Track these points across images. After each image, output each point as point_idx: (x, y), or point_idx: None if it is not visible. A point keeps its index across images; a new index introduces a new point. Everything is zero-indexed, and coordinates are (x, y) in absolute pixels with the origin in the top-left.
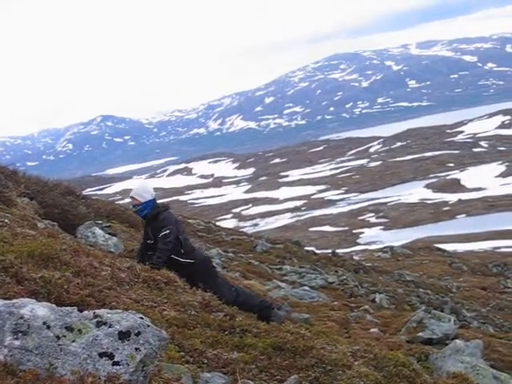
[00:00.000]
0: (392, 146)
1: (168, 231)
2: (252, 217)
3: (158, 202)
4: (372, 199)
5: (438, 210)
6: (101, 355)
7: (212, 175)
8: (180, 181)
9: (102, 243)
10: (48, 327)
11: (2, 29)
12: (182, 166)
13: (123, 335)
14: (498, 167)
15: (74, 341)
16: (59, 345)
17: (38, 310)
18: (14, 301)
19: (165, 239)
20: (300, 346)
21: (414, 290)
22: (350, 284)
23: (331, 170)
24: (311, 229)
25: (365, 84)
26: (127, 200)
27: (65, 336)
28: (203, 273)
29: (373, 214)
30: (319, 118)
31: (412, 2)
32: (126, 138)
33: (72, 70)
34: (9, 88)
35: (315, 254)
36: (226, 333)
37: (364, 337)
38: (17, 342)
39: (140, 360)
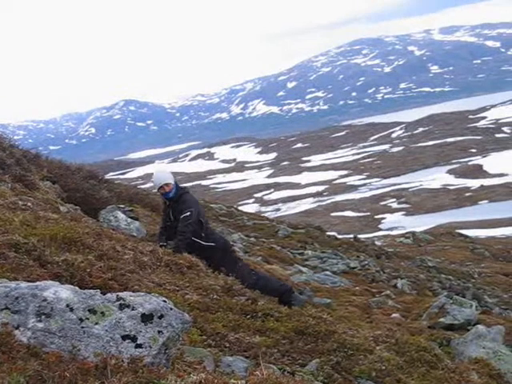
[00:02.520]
0: (414, 132)
1: (189, 213)
2: (274, 201)
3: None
4: (394, 184)
5: (460, 195)
6: (124, 338)
7: (234, 160)
8: (202, 165)
9: (124, 227)
10: (71, 310)
11: (27, 13)
12: (204, 150)
13: (146, 318)
14: None
15: (97, 323)
16: (82, 327)
17: (61, 292)
18: (38, 283)
19: (186, 221)
20: (322, 331)
21: (435, 275)
22: (371, 269)
23: (353, 155)
24: (333, 214)
25: (387, 69)
26: (149, 184)
27: (88, 318)
28: (223, 256)
29: (395, 200)
30: (341, 103)
31: None
32: (149, 122)
33: (95, 54)
34: (32, 73)
35: (337, 239)
36: (248, 317)
37: (386, 322)
38: (40, 325)
39: (163, 343)
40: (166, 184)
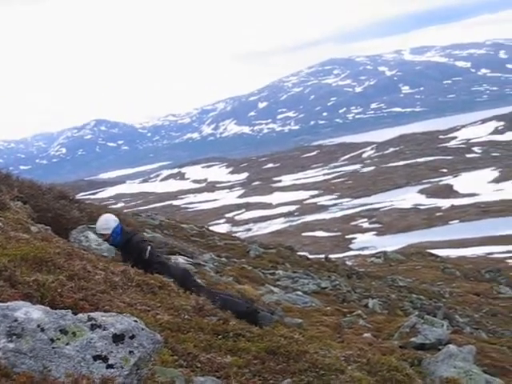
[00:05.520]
0: (385, 152)
1: (150, 247)
2: (245, 222)
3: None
4: (365, 204)
5: (431, 215)
6: (95, 358)
7: (205, 180)
8: (173, 185)
9: (95, 247)
10: (42, 330)
11: None
12: (176, 170)
13: (117, 338)
14: (492, 173)
15: (68, 344)
16: (53, 348)
17: (32, 312)
18: (9, 303)
19: (153, 256)
20: (293, 351)
21: (406, 295)
22: (342, 289)
23: (324, 175)
24: (304, 234)
25: (358, 89)
26: (120, 204)
27: (59, 339)
28: (183, 287)
29: (366, 220)
30: (312, 123)
31: (405, 7)
32: (120, 142)
33: (65, 73)
34: (2, 92)
35: (308, 259)
36: (220, 337)
37: (357, 342)
38: (11, 345)
39: (134, 363)
40: (102, 234)
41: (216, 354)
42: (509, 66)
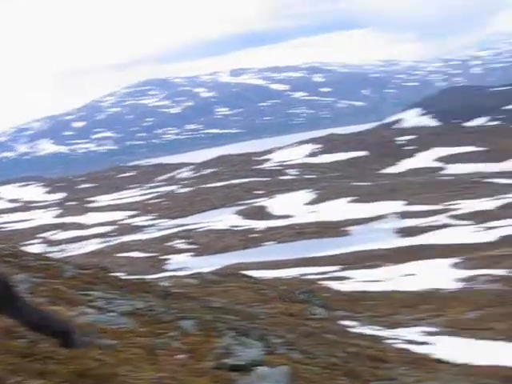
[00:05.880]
0: (202, 173)
1: None
2: (60, 242)
3: None
4: (182, 225)
5: (246, 236)
6: None
7: (20, 199)
8: None
9: None
10: None
11: None
12: None
13: None
14: (307, 195)
15: None
16: None
17: None
18: None
19: None
20: (104, 373)
21: (221, 316)
22: (157, 310)
23: (141, 195)
24: (120, 254)
25: (175, 110)
26: None
27: None
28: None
29: (182, 241)
30: (129, 143)
31: (223, 29)
32: None
33: None
34: None
35: (123, 279)
36: (28, 359)
37: (170, 363)
38: None
39: None
40: None
41: (25, 378)
42: (324, 89)
